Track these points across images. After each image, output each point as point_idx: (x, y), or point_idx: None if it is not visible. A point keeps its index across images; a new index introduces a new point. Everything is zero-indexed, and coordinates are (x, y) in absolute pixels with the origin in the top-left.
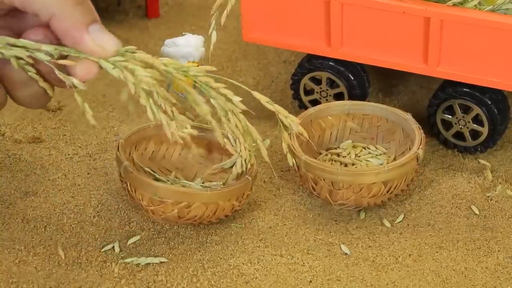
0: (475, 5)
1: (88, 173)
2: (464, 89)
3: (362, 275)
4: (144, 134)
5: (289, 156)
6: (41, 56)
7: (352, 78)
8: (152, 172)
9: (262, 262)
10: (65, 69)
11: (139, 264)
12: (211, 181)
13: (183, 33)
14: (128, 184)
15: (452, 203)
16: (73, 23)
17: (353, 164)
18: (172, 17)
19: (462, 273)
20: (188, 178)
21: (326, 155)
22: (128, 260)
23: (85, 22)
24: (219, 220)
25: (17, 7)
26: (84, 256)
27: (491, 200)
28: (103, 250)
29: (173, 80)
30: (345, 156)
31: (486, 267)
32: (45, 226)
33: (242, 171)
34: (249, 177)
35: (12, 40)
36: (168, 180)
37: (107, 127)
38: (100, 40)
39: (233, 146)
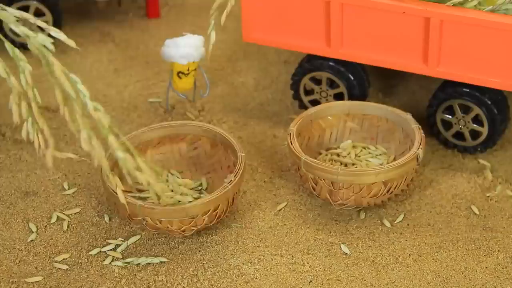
0: (475, 5)
1: (88, 173)
2: (464, 89)
3: (362, 275)
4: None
5: None
6: None
7: (352, 78)
8: (132, 193)
9: (262, 262)
10: None
11: (139, 264)
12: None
13: (183, 33)
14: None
15: (452, 203)
16: None
17: (353, 164)
18: (172, 17)
19: (462, 273)
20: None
21: (326, 155)
22: (128, 260)
23: None
24: (221, 219)
25: None
26: (85, 256)
27: (491, 200)
28: (103, 250)
29: (173, 80)
30: (345, 156)
31: (486, 267)
32: (45, 226)
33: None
34: (238, 172)
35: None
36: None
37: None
38: None
39: None
